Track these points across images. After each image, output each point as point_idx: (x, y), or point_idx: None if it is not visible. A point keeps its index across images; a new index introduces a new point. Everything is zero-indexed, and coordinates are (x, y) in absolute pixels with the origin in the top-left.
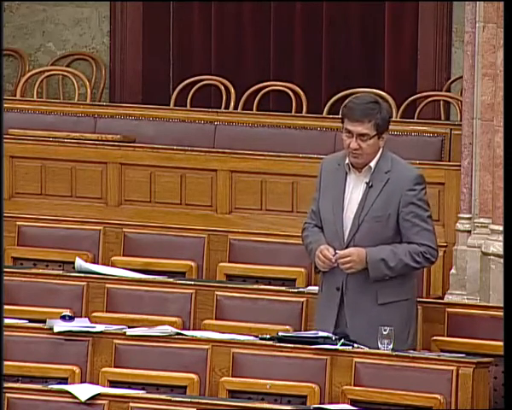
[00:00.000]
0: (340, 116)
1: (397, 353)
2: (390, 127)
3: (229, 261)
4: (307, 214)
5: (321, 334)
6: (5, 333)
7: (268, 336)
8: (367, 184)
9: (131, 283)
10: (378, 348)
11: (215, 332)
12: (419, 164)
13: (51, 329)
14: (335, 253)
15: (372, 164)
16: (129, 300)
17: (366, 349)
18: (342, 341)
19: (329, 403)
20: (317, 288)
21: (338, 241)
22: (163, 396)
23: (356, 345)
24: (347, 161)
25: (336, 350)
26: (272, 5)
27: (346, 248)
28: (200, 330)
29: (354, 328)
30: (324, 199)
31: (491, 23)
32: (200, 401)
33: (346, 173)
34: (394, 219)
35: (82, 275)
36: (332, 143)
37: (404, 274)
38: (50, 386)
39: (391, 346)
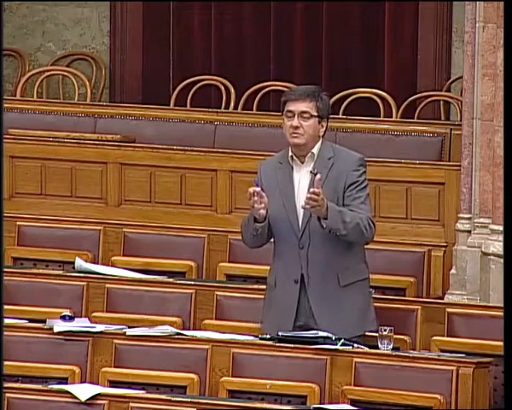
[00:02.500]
0: (344, 115)
1: (397, 353)
2: (390, 127)
3: (229, 261)
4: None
5: (321, 334)
6: (5, 333)
7: (268, 336)
8: (311, 172)
9: (131, 283)
10: (378, 348)
11: (215, 332)
12: (419, 164)
13: (51, 329)
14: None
15: (314, 151)
16: (129, 300)
17: (366, 349)
18: (342, 341)
19: (329, 403)
20: None
21: (293, 233)
22: (163, 396)
23: (356, 345)
24: (290, 154)
25: (336, 350)
26: (272, 5)
27: (301, 238)
28: (200, 330)
29: (320, 316)
30: (272, 199)
31: (491, 23)
32: (200, 401)
33: (291, 168)
34: (341, 200)
35: (82, 275)
36: (332, 142)
37: (357, 253)
38: (50, 386)
39: (391, 346)
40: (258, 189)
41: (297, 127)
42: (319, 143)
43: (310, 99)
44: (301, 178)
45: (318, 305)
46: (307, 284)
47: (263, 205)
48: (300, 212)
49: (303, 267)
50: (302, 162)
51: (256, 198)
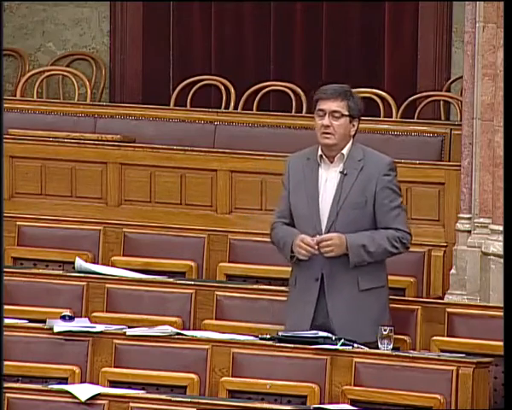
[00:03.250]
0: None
1: (397, 353)
2: (390, 127)
3: (229, 261)
4: (274, 214)
5: (321, 334)
6: (5, 333)
7: (268, 336)
8: (341, 172)
9: (131, 283)
10: (378, 348)
11: (215, 332)
12: (419, 164)
13: (51, 329)
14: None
15: (344, 152)
16: (129, 300)
17: (366, 349)
18: (342, 341)
19: (329, 403)
20: None
21: (316, 232)
22: (163, 396)
23: (356, 345)
24: (319, 153)
25: (336, 350)
26: (272, 5)
27: None
28: (200, 330)
29: (336, 317)
30: (297, 195)
31: (491, 23)
32: (200, 401)
33: (318, 166)
34: (371, 205)
35: (82, 275)
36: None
37: (381, 260)
38: (50, 386)
39: (391, 346)
40: (315, 245)
41: (328, 126)
42: (349, 143)
43: (341, 98)
44: (328, 178)
45: (335, 306)
46: (327, 283)
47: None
48: (324, 211)
49: (324, 266)
50: (331, 162)
51: (307, 247)
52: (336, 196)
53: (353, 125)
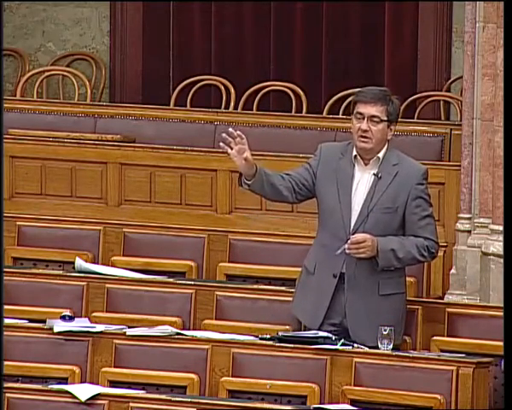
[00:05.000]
0: (344, 115)
1: (397, 353)
2: None
3: (229, 261)
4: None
5: (321, 334)
6: (5, 333)
7: (268, 336)
8: (375, 175)
9: (131, 283)
10: (378, 348)
11: (215, 332)
12: None
13: (51, 329)
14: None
15: (380, 155)
16: (129, 300)
17: (366, 349)
18: (342, 341)
19: (329, 403)
20: None
21: (343, 230)
22: (163, 396)
23: (356, 345)
24: (354, 153)
25: (336, 350)
26: (272, 5)
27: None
28: (200, 330)
29: (353, 319)
30: (327, 185)
31: (491, 23)
32: (200, 401)
33: (353, 166)
34: (401, 212)
35: (82, 275)
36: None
37: (404, 267)
38: (50, 386)
39: (391, 346)
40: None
41: (366, 131)
42: (385, 147)
43: (381, 103)
44: (361, 179)
45: (354, 307)
46: (347, 284)
47: (241, 155)
48: (354, 210)
49: (347, 265)
50: (366, 164)
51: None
52: (368, 198)
53: (391, 130)
